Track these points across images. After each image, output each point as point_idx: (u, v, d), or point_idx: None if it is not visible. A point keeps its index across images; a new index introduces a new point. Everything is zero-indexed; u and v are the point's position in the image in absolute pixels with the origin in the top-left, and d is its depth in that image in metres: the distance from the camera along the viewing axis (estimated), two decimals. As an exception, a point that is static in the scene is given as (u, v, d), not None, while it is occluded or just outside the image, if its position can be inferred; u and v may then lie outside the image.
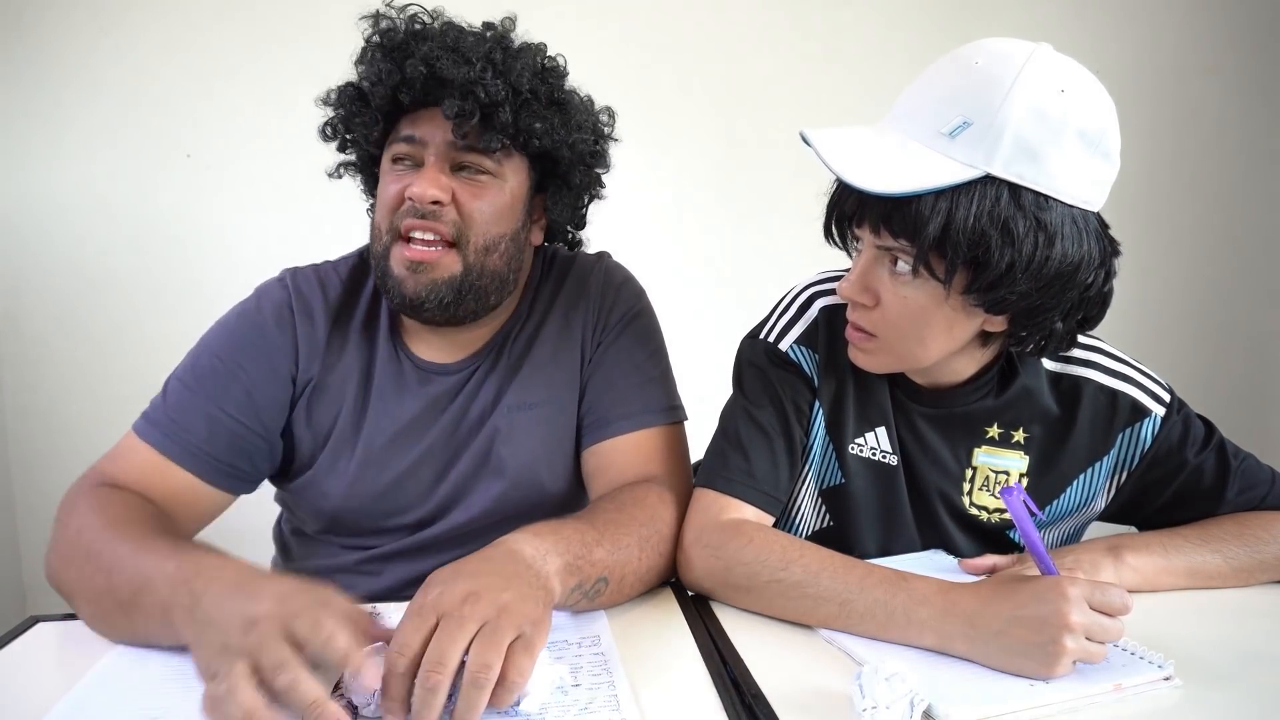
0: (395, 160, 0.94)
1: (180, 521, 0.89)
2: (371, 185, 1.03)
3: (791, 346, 0.98)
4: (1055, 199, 0.78)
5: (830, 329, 0.98)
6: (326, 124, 0.99)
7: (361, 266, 1.04)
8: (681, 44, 2.14)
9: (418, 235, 0.92)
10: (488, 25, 0.96)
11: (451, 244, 0.93)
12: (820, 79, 2.19)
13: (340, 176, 1.05)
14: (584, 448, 1.03)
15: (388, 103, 0.92)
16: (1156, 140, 2.26)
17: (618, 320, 1.05)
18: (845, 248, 0.91)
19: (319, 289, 1.00)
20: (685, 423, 1.06)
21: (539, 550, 0.74)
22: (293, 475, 1.01)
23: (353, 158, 1.03)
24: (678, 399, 1.06)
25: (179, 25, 1.95)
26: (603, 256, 1.13)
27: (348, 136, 0.99)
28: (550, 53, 0.99)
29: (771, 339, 0.99)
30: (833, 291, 1.00)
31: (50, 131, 1.94)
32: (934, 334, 0.85)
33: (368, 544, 1.02)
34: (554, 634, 0.78)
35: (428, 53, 0.89)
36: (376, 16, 0.94)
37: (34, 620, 0.82)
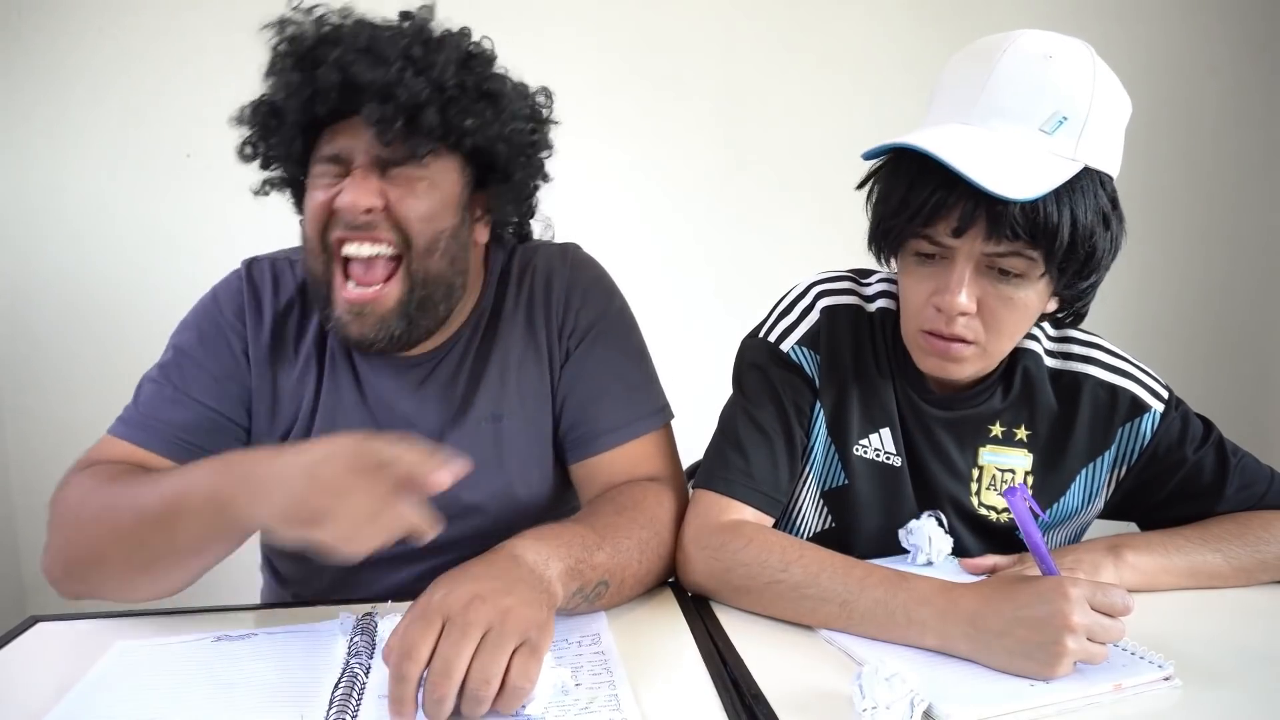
0: (319, 177, 0.88)
1: None
2: (300, 199, 0.95)
3: (794, 348, 0.97)
4: (1113, 180, 0.81)
5: (833, 330, 0.97)
6: (244, 143, 0.93)
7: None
8: (681, 44, 2.14)
9: (353, 251, 0.86)
10: (404, 15, 0.89)
11: (393, 258, 0.87)
12: (821, 79, 2.19)
13: (267, 193, 0.98)
14: (571, 462, 0.99)
15: (303, 115, 0.86)
16: (1157, 140, 2.25)
17: (589, 324, 0.99)
18: (887, 260, 0.89)
19: (271, 287, 0.97)
20: (671, 422, 1.03)
21: (541, 555, 0.74)
22: None
23: (278, 173, 0.96)
24: (663, 398, 1.03)
25: (179, 25, 1.94)
26: (568, 250, 1.04)
27: (269, 155, 0.93)
28: (475, 37, 0.92)
29: (773, 339, 0.99)
30: (837, 292, 0.99)
31: (50, 132, 1.94)
32: (1025, 328, 0.86)
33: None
34: (554, 633, 0.78)
35: (340, 57, 0.82)
36: (281, 23, 0.87)
37: (34, 620, 0.82)
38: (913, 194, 0.79)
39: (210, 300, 0.98)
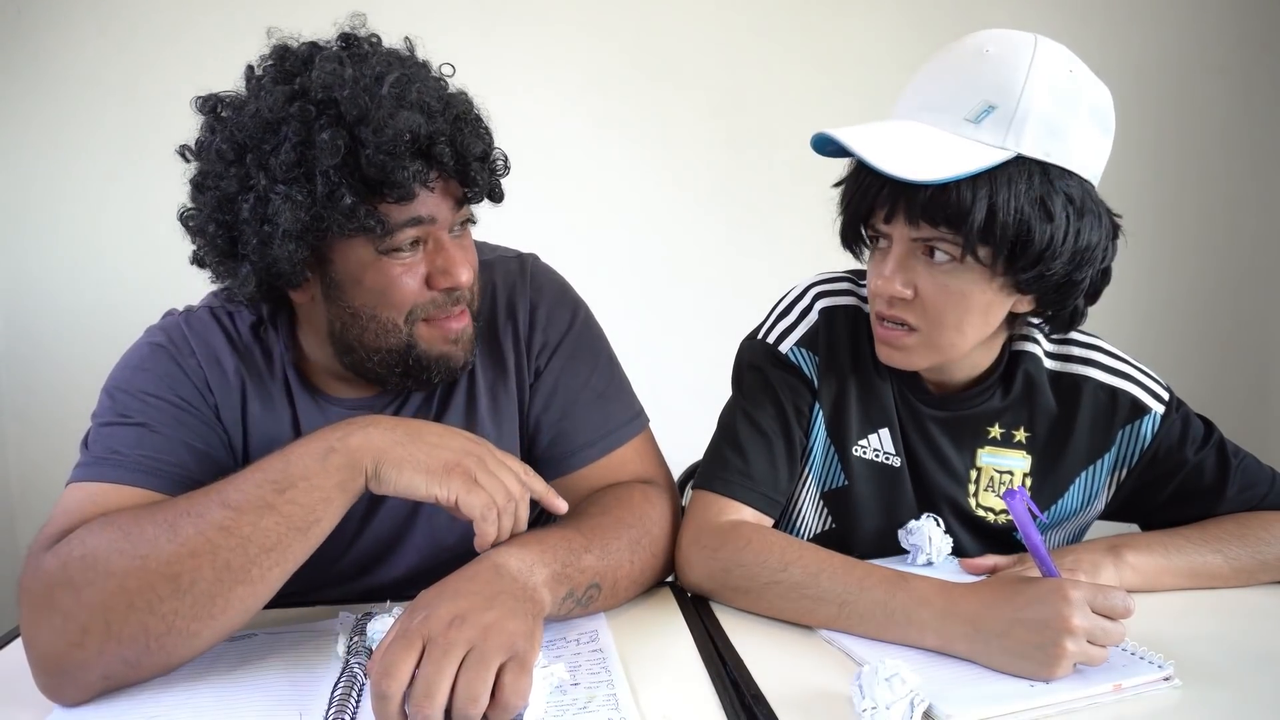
0: (395, 249, 0.80)
1: None
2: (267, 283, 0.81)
3: (792, 349, 0.97)
4: (1076, 174, 0.80)
5: (831, 331, 0.97)
6: (299, 228, 0.75)
7: (259, 324, 0.92)
8: (679, 42, 2.14)
9: (444, 312, 0.85)
10: (404, 61, 0.81)
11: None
12: (820, 79, 2.19)
13: (254, 299, 0.83)
14: (550, 478, 0.92)
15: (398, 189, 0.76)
16: (1162, 140, 2.25)
17: (557, 337, 0.97)
18: (857, 250, 0.91)
19: (221, 334, 0.89)
20: (649, 426, 1.01)
21: (525, 562, 0.73)
22: None
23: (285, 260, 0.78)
24: (637, 404, 1.00)
25: (179, 24, 1.95)
26: (525, 260, 1.01)
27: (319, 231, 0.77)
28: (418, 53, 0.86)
29: (771, 340, 0.99)
30: (835, 293, 0.99)
31: (49, 131, 1.94)
32: (972, 320, 0.86)
33: (317, 583, 0.89)
34: (551, 632, 0.78)
35: (449, 133, 0.78)
36: (353, 86, 0.74)
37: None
38: (853, 189, 0.85)
39: (164, 344, 0.87)
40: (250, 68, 0.81)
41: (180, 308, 0.94)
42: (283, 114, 0.74)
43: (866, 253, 0.91)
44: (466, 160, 0.80)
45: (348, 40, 0.82)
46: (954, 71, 0.81)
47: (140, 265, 1.99)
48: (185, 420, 0.83)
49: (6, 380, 2.01)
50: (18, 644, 0.78)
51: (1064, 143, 0.79)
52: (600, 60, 2.08)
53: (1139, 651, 0.73)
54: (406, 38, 0.86)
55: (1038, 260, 0.80)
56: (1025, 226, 0.78)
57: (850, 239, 0.89)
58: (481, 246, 0.99)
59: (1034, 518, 0.74)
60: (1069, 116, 0.78)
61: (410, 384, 0.89)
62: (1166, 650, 0.72)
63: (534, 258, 1.02)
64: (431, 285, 0.83)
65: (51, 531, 0.72)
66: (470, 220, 0.88)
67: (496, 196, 0.88)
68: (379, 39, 0.84)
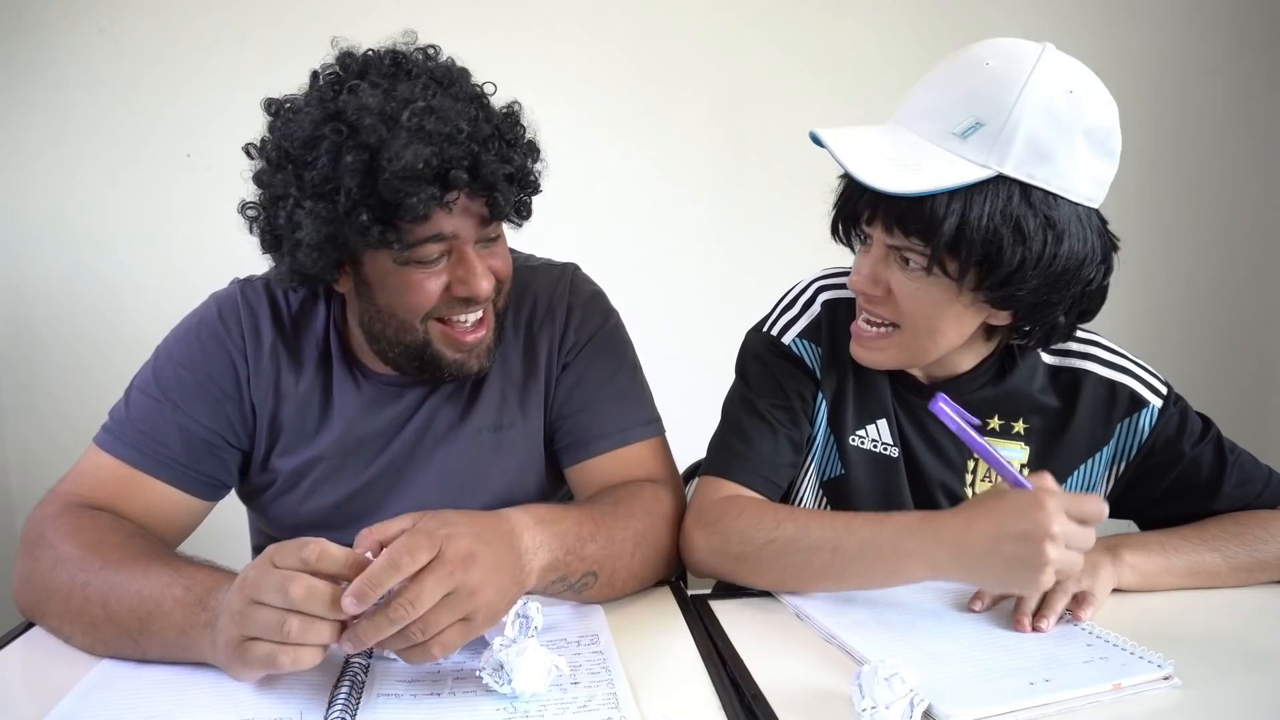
0: (419, 261, 0.85)
1: (161, 535, 0.87)
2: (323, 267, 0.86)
3: (795, 340, 0.99)
4: (1063, 197, 0.80)
5: (833, 323, 0.98)
6: (320, 239, 0.81)
7: (311, 299, 0.98)
8: (680, 43, 2.14)
9: (463, 317, 0.90)
10: (439, 75, 0.84)
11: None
12: (820, 78, 2.19)
13: (297, 283, 0.90)
14: (565, 465, 1.02)
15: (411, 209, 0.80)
16: (1159, 140, 2.25)
17: (586, 337, 1.02)
18: (851, 245, 0.92)
19: (268, 307, 0.96)
20: (665, 435, 1.04)
21: (534, 542, 0.76)
22: (255, 488, 1.00)
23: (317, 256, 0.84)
24: (655, 413, 1.04)
25: (178, 24, 1.94)
26: (568, 269, 1.07)
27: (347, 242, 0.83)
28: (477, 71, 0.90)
29: (775, 332, 1.00)
30: (838, 286, 1.01)
31: (49, 131, 1.94)
32: (944, 327, 0.87)
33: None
34: (553, 632, 0.79)
35: (462, 155, 0.80)
36: (383, 115, 0.78)
37: (33, 621, 0.82)
38: (843, 193, 0.88)
39: (213, 317, 0.96)
40: (314, 74, 0.86)
41: (243, 275, 1.01)
42: (319, 132, 0.80)
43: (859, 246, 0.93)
44: (491, 183, 0.83)
45: (396, 59, 0.85)
46: (951, 82, 0.81)
47: (140, 265, 1.99)
48: (201, 398, 0.92)
49: (6, 380, 2.01)
50: (18, 644, 0.78)
51: (1052, 165, 0.78)
52: (600, 60, 2.08)
53: (1138, 650, 0.73)
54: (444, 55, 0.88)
55: (1007, 280, 0.81)
56: (995, 245, 0.79)
57: (839, 233, 0.92)
58: (528, 257, 1.08)
59: (974, 428, 0.76)
60: (1060, 139, 0.78)
61: (426, 377, 0.95)
62: (1166, 650, 0.72)
63: (575, 267, 1.08)
64: (451, 292, 0.87)
65: (64, 490, 0.88)
66: (497, 235, 0.91)
67: (523, 215, 0.91)
68: (434, 51, 0.88)
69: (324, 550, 0.64)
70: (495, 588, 0.68)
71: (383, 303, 0.88)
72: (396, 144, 0.77)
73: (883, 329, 0.90)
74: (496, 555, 0.70)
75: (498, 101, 0.90)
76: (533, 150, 0.91)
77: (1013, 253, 0.79)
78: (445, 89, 0.83)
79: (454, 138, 0.80)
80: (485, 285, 0.86)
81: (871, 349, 0.92)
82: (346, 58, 0.86)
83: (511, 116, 0.89)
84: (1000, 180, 0.78)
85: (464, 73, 0.88)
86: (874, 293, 0.87)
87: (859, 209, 0.86)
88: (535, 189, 0.92)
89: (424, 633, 0.64)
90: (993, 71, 0.79)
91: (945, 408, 0.76)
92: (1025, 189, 0.78)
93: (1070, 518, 0.72)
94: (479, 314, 0.91)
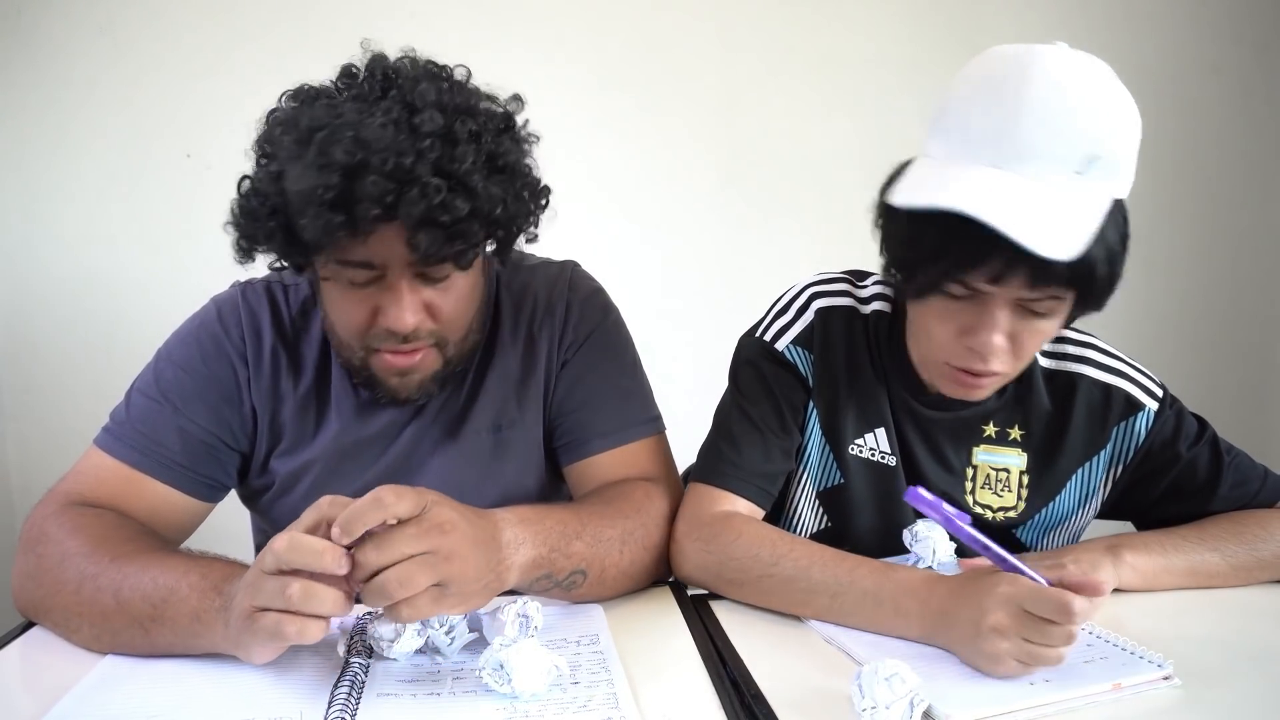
0: (350, 281, 0.83)
1: (161, 534, 0.87)
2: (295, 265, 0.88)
3: (788, 347, 0.98)
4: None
5: (827, 330, 0.98)
6: (244, 245, 0.85)
7: (311, 302, 0.98)
8: (678, 45, 2.14)
9: (394, 347, 0.86)
10: (415, 100, 0.78)
11: (432, 345, 0.88)
12: (818, 81, 2.19)
13: (283, 270, 0.93)
14: (564, 464, 1.01)
15: (326, 234, 0.77)
16: (1159, 140, 2.23)
17: (586, 334, 1.01)
18: (923, 293, 0.83)
19: (269, 310, 0.96)
20: (665, 433, 1.03)
21: (516, 538, 0.76)
22: (254, 490, 1.00)
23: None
24: (655, 410, 1.03)
25: (179, 24, 1.94)
26: (566, 267, 1.05)
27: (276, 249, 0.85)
28: (460, 73, 0.85)
29: (768, 338, 0.99)
30: (830, 293, 0.99)
31: (49, 131, 1.94)
32: (1038, 348, 0.86)
33: None
34: (553, 632, 0.79)
35: (373, 188, 0.73)
36: (299, 128, 0.77)
37: (33, 621, 0.82)
38: (950, 244, 0.76)
39: (214, 320, 0.96)
40: (347, 68, 0.85)
41: (244, 278, 1.00)
42: (271, 133, 0.82)
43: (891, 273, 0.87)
44: (415, 223, 0.76)
45: (386, 75, 0.81)
46: (1054, 117, 0.73)
47: (140, 266, 1.99)
48: (200, 400, 0.92)
49: (7, 380, 2.01)
50: (18, 644, 0.78)
51: (1132, 173, 0.77)
52: (600, 60, 2.08)
53: (1138, 650, 0.73)
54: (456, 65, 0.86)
55: (1112, 291, 0.79)
56: (1119, 265, 0.77)
57: (913, 290, 0.84)
58: (526, 256, 1.06)
59: (953, 511, 0.72)
60: (1136, 148, 0.77)
61: (376, 394, 0.93)
62: (1166, 649, 0.72)
63: (574, 264, 1.07)
64: (375, 320, 0.84)
65: (64, 489, 0.87)
66: (443, 276, 0.84)
67: (462, 264, 0.82)
68: (446, 71, 0.83)
69: (334, 500, 0.67)
70: (472, 563, 0.68)
71: (327, 313, 0.90)
72: (296, 167, 0.76)
73: (994, 376, 0.85)
74: (477, 532, 0.70)
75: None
76: (510, 199, 0.82)
77: (1122, 266, 0.77)
78: (412, 115, 0.76)
79: (364, 169, 0.73)
80: (408, 319, 0.82)
81: (977, 390, 0.87)
82: (351, 66, 0.83)
83: (494, 159, 0.80)
84: (1117, 204, 0.76)
85: (457, 104, 0.80)
86: (1008, 349, 0.81)
87: (976, 264, 0.76)
88: (502, 234, 0.84)
89: (400, 586, 0.64)
90: (1090, 98, 0.74)
91: (923, 493, 0.73)
92: (1119, 202, 0.77)
93: (1031, 612, 0.68)
94: (412, 345, 0.86)
